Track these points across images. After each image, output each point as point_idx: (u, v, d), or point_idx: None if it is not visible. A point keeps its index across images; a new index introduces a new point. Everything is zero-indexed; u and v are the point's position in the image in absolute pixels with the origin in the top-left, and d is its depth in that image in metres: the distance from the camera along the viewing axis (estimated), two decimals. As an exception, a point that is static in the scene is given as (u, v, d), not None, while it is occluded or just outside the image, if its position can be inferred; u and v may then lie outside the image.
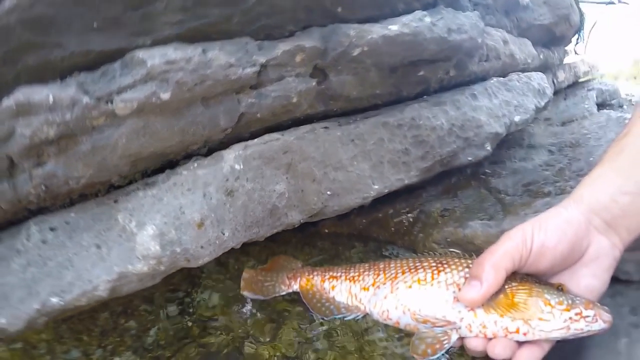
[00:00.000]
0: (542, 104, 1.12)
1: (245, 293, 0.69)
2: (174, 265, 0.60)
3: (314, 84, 0.75)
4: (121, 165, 0.61)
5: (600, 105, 1.93)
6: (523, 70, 1.35)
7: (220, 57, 0.61)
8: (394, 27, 0.76)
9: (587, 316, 0.47)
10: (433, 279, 0.53)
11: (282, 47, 0.67)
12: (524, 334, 0.48)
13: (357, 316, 0.60)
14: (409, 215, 0.95)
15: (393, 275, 0.58)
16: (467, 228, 0.80)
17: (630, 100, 1.92)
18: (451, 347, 0.50)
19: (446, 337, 0.49)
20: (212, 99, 0.65)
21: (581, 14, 2.02)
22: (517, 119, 0.98)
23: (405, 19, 0.79)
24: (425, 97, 0.95)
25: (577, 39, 1.95)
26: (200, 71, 0.59)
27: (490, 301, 0.49)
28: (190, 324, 0.75)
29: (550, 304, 0.47)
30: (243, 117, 0.70)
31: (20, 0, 0.48)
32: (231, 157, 0.67)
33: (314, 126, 0.79)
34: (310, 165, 0.77)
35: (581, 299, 0.48)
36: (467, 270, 0.53)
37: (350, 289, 0.62)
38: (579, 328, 0.47)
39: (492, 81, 1.05)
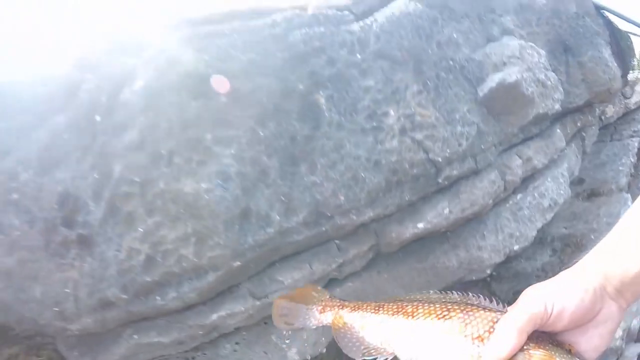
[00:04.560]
0: (549, 218, 1.50)
1: (277, 324, 0.73)
2: (300, 359, 1.26)
3: (371, 256, 1.27)
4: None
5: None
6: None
7: (319, 268, 1.16)
8: (420, 225, 1.22)
9: None
10: (460, 332, 0.57)
11: (352, 252, 1.20)
12: None
13: (386, 358, 0.63)
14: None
15: (421, 323, 0.60)
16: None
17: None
18: None
19: None
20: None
21: (630, 50, 1.99)
22: (516, 247, 1.40)
23: (431, 215, 1.23)
24: (448, 233, 1.41)
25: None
26: (311, 277, 1.16)
27: None
28: None
29: None
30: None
31: (202, 287, 1.07)
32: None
33: (371, 273, 1.33)
34: (369, 295, 1.33)
35: None
36: (491, 325, 0.57)
37: (379, 331, 0.64)
38: None
39: (504, 211, 1.45)
